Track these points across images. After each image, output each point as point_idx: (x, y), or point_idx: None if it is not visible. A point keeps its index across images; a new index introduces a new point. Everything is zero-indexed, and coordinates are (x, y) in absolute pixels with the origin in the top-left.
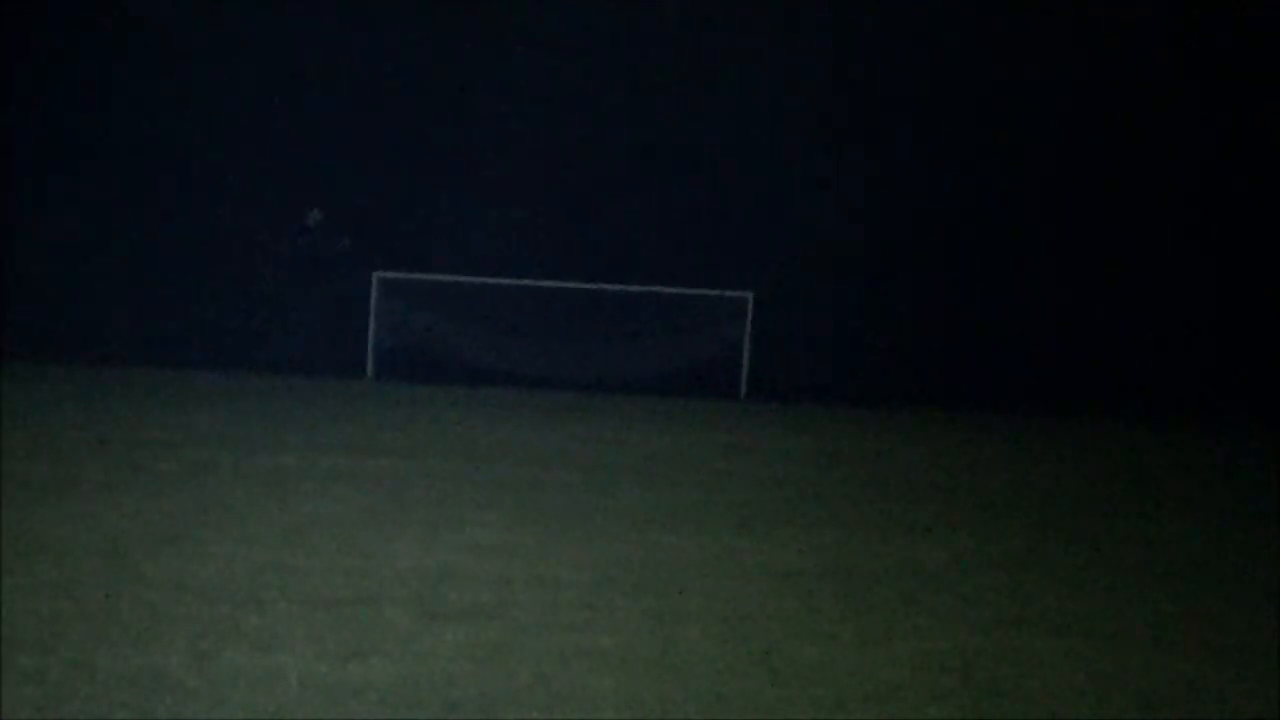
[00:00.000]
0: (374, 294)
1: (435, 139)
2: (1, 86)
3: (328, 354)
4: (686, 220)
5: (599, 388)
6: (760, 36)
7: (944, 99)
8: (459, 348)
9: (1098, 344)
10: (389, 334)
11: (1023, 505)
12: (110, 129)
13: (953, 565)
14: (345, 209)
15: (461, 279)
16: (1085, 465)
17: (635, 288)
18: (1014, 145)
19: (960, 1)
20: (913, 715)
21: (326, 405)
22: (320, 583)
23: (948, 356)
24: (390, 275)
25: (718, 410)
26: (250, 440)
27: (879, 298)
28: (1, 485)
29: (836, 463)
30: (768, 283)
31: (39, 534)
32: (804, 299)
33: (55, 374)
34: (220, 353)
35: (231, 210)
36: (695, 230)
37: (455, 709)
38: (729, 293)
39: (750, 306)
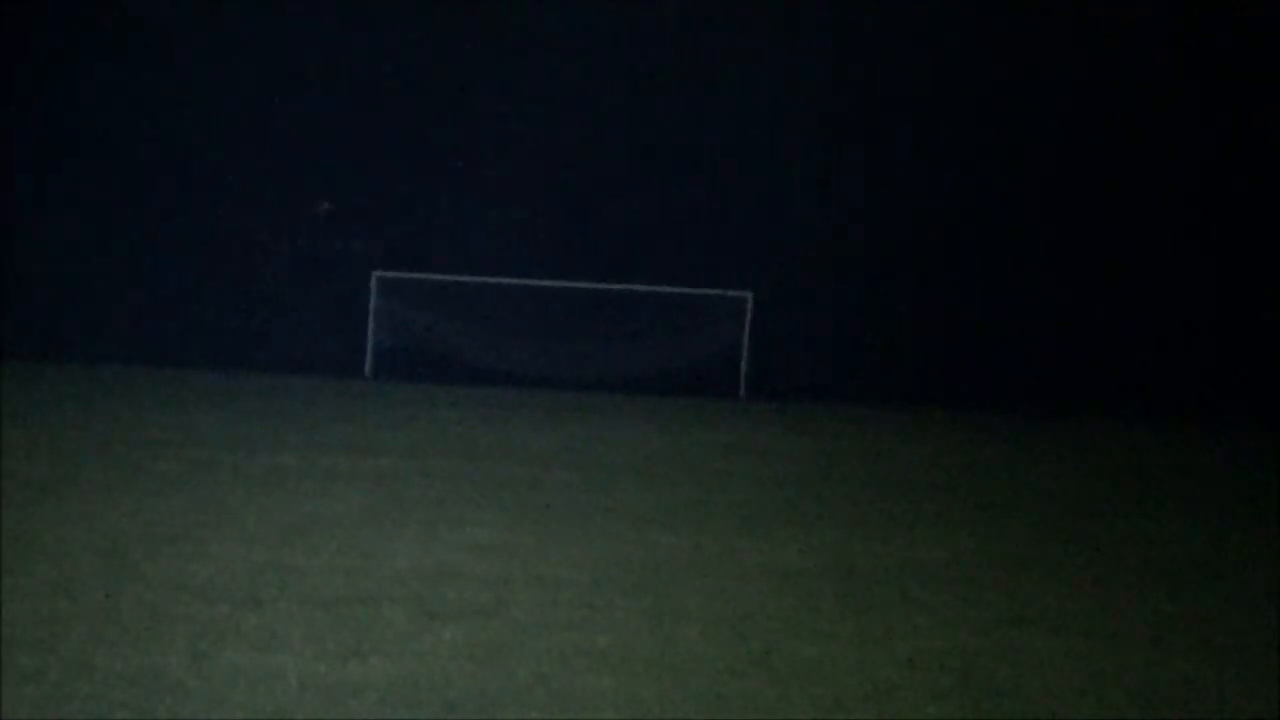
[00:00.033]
0: (373, 294)
1: (435, 139)
2: (1, 86)
3: (327, 354)
4: (686, 220)
5: (598, 387)
6: (760, 36)
7: (944, 99)
8: (458, 347)
9: (1098, 344)
10: (388, 334)
11: (1022, 505)
12: (110, 129)
13: (952, 564)
14: (345, 209)
15: (461, 278)
16: (1085, 465)
17: (635, 287)
18: (1014, 145)
19: (960, 1)
20: (912, 714)
21: (326, 405)
22: (319, 582)
23: (947, 356)
24: (390, 275)
25: (717, 410)
26: (250, 440)
27: (878, 297)
28: (1, 485)
29: (836, 462)
30: (767, 282)
31: (39, 533)
32: (803, 299)
33: (55, 374)
34: (220, 353)
35: (231, 210)
36: (695, 230)
37: (454, 708)
38: (728, 292)
39: (749, 306)
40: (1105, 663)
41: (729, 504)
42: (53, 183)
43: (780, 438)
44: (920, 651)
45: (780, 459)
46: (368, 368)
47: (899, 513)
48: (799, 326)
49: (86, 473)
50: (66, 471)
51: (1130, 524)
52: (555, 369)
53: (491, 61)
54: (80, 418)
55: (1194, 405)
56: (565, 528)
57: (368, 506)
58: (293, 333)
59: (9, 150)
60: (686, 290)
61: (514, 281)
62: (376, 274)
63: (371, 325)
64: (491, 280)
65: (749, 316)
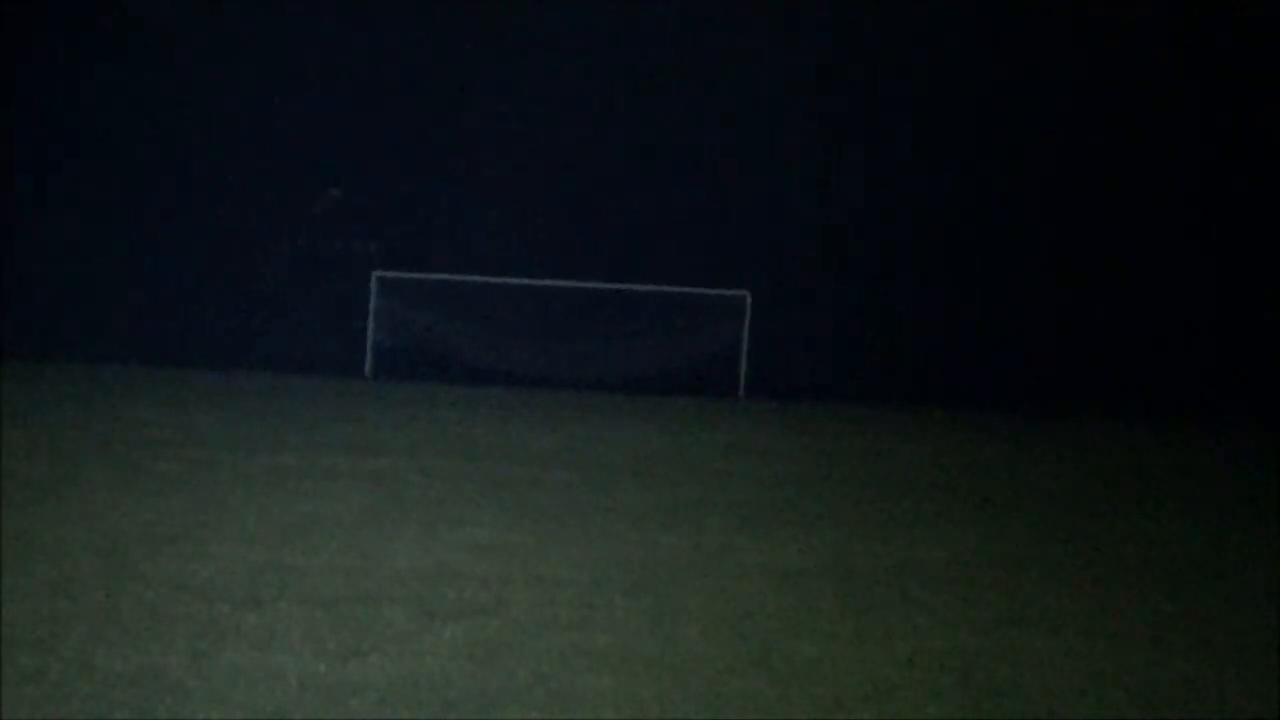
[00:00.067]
0: (373, 293)
1: (435, 139)
2: (1, 86)
3: (327, 354)
4: (685, 220)
5: (598, 387)
6: (760, 36)
7: (944, 99)
8: (458, 347)
9: (1098, 344)
10: (388, 333)
11: (1022, 505)
12: (110, 129)
13: (952, 564)
14: (345, 208)
15: (460, 278)
16: (1085, 465)
17: (634, 287)
18: (1014, 145)
19: (960, 1)
20: (911, 714)
21: (325, 405)
22: (319, 582)
23: (946, 356)
24: (390, 275)
25: (716, 409)
26: (250, 440)
27: (878, 297)
28: (1, 485)
29: (835, 462)
30: (766, 282)
31: (38, 533)
32: (802, 298)
33: (55, 374)
34: (220, 353)
35: (231, 210)
36: (694, 230)
37: (453, 708)
38: (727, 292)
39: (748, 305)
40: (1105, 663)
41: (728, 503)
42: (53, 183)
43: (780, 437)
44: (920, 651)
45: (780, 459)
46: (368, 368)
47: (899, 512)
48: (798, 326)
49: (86, 473)
50: (66, 471)
51: (1130, 524)
52: (555, 369)
53: (491, 61)
54: (80, 418)
55: (1194, 405)
56: (565, 527)
57: (368, 506)
58: (293, 333)
59: (9, 150)
60: (686, 290)
61: (514, 281)
62: (376, 274)
63: (371, 325)
64: (490, 280)
65: (748, 316)
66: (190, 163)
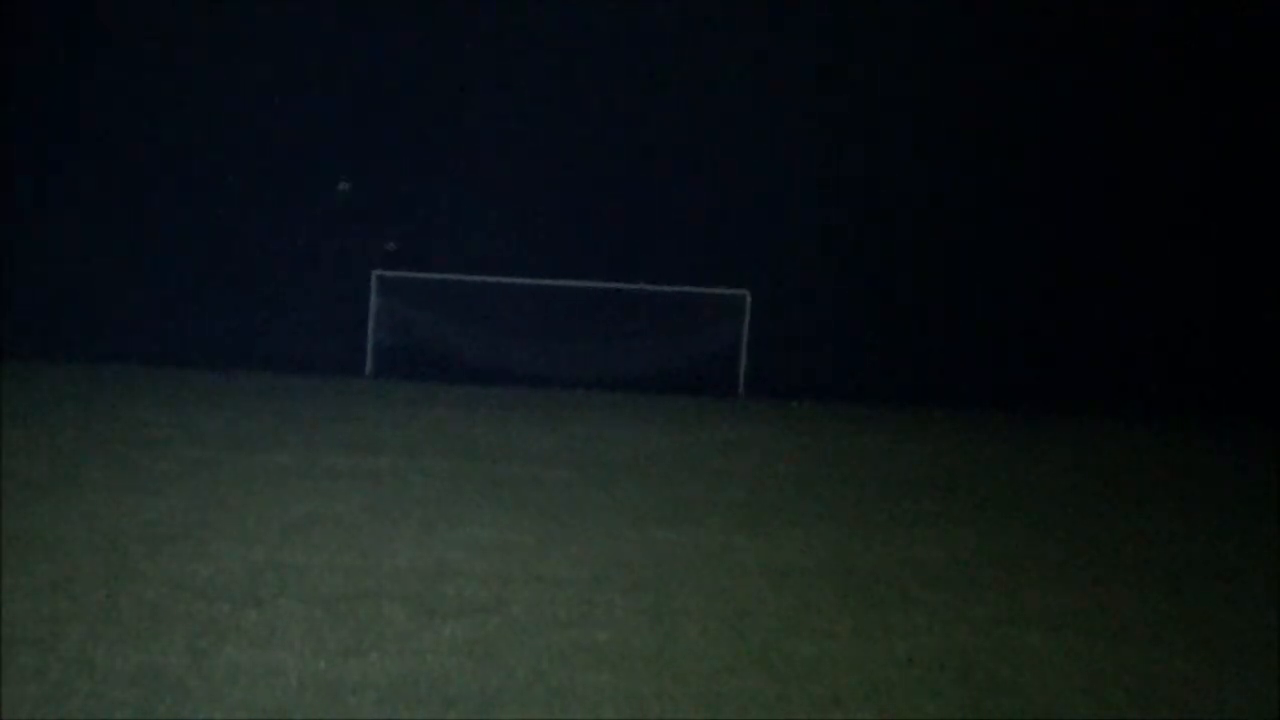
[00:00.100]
0: (373, 292)
1: (435, 139)
2: (1, 86)
3: (327, 353)
4: (684, 219)
5: (597, 386)
6: (760, 36)
7: (944, 99)
8: (458, 346)
9: (1098, 344)
10: (388, 333)
11: (1021, 503)
12: (110, 129)
13: (951, 563)
14: (345, 208)
15: (460, 278)
16: (1084, 464)
17: (633, 286)
18: (1014, 145)
19: (960, 1)
20: (910, 712)
21: (325, 404)
22: (319, 580)
23: (946, 355)
24: (390, 274)
25: (716, 408)
26: (250, 439)
27: (877, 296)
28: (1, 484)
29: (835, 461)
30: (765, 281)
31: (39, 532)
32: (802, 297)
33: (55, 373)
34: (220, 353)
35: (231, 210)
36: (693, 229)
37: (453, 705)
38: (727, 291)
39: (748, 305)
40: (1104, 661)
41: (728, 502)
42: (53, 183)
43: (779, 436)
44: (919, 650)
45: (779, 457)
46: (368, 367)
47: (898, 511)
48: (798, 325)
49: (86, 472)
50: (66, 471)
51: (1130, 523)
52: (555, 368)
53: (491, 61)
54: (80, 417)
55: (1194, 405)
56: (564, 526)
57: (368, 505)
58: (293, 332)
59: (9, 150)
60: (685, 289)
61: (513, 280)
62: (376, 273)
63: (371, 325)
64: (490, 279)
65: (747, 315)
66: (190, 163)
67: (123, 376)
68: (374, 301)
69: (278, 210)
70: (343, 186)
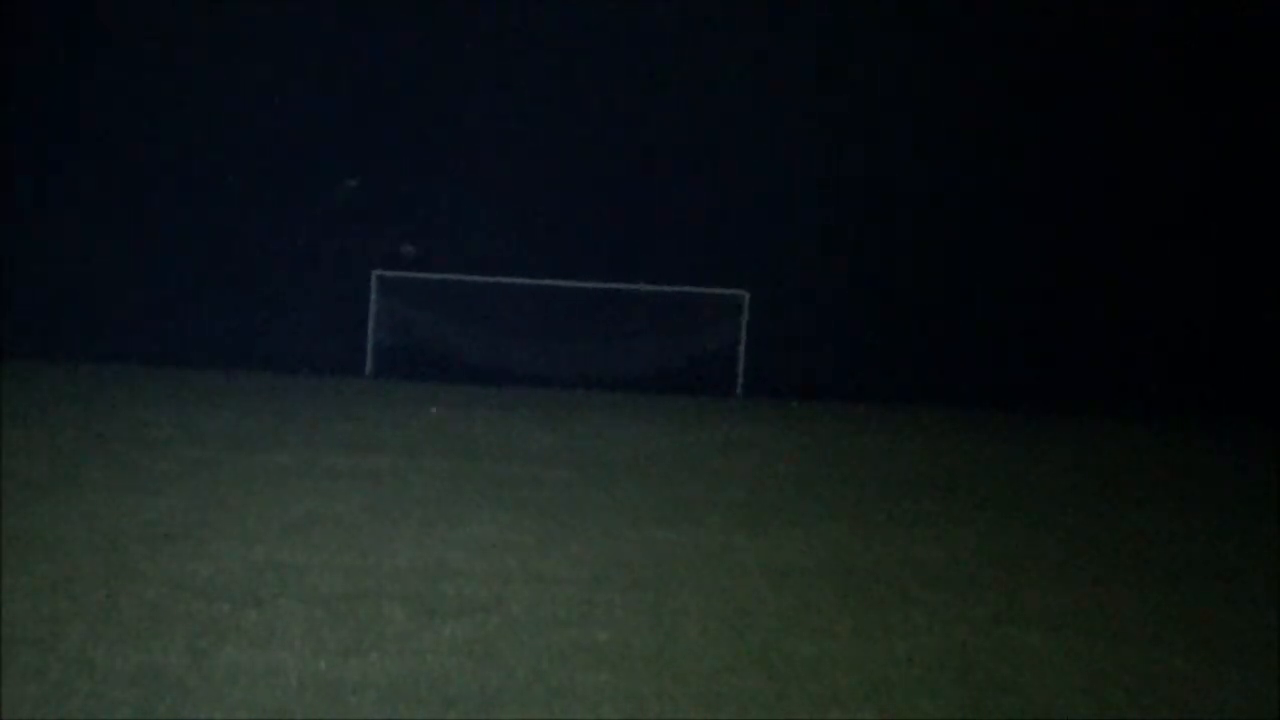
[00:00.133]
0: (373, 292)
1: (435, 139)
2: (1, 86)
3: (327, 352)
4: (684, 219)
5: (596, 386)
6: (760, 36)
7: (944, 99)
8: (457, 346)
9: (1098, 344)
10: (388, 332)
11: (1021, 503)
12: (110, 129)
13: (951, 562)
14: (345, 208)
15: (460, 278)
16: (1084, 464)
17: (633, 286)
18: (1014, 145)
19: (960, 1)
20: (910, 712)
21: (325, 403)
22: (319, 580)
23: (945, 354)
24: (389, 274)
25: (714, 408)
26: (250, 439)
27: (876, 296)
28: (1, 484)
29: (834, 460)
30: (764, 281)
31: (39, 532)
32: (801, 297)
33: (55, 373)
34: (220, 352)
35: (231, 210)
36: (692, 229)
37: (453, 705)
38: (725, 291)
39: (746, 304)
40: (1104, 661)
41: (727, 502)
42: (53, 183)
43: (778, 435)
44: (919, 649)
45: (779, 457)
46: (368, 367)
47: (898, 511)
48: (796, 325)
49: (86, 472)
50: (66, 471)
51: (1130, 523)
52: (553, 367)
53: (491, 61)
54: (80, 417)
55: (1194, 405)
56: (564, 525)
57: (367, 504)
58: (293, 332)
59: (9, 150)
60: (684, 289)
61: (512, 280)
62: (376, 273)
63: (371, 325)
64: (490, 279)
65: (745, 315)
66: (190, 163)
67: (123, 376)
68: (374, 301)
69: (278, 210)
70: (351, 182)
